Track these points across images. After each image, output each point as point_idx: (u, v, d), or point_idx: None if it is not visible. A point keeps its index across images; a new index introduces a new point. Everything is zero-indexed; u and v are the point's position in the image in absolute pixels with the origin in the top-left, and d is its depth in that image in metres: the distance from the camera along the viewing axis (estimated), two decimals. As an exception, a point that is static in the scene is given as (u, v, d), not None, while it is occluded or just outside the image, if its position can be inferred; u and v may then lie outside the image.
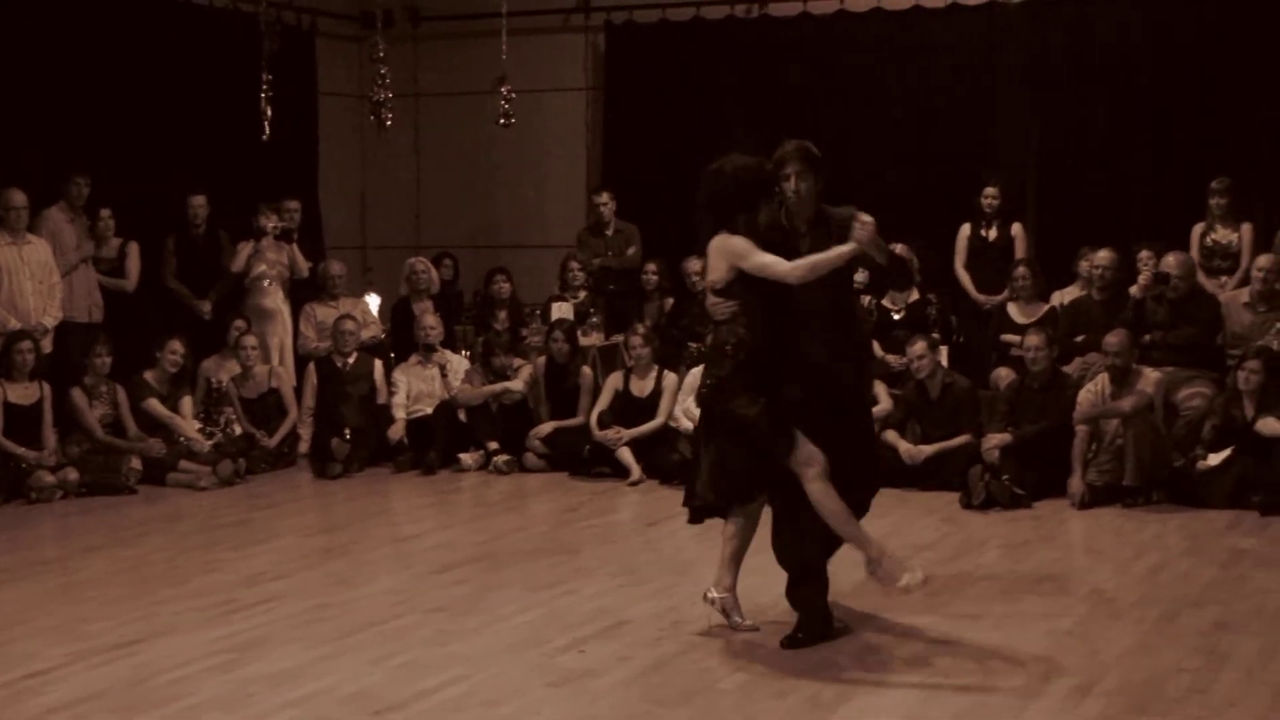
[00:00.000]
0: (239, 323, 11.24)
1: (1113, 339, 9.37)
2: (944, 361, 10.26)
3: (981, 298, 11.26)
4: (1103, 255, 10.41)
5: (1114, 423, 9.26)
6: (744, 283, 5.91)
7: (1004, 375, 10.27)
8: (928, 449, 9.75)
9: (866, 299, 11.21)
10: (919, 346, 9.93)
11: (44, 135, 10.78)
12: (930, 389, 9.94)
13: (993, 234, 11.38)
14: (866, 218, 5.87)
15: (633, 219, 12.45)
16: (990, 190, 11.35)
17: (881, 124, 12.33)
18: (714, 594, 6.23)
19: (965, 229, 11.46)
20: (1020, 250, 11.28)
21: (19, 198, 10.28)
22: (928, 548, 7.97)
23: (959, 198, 11.61)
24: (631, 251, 12.34)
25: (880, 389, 10.22)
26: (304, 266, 11.81)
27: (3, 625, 6.50)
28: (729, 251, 5.92)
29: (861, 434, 6.24)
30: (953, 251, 11.46)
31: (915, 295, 10.96)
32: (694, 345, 10.99)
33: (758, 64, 12.75)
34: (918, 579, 6.01)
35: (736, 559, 6.22)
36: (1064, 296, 10.83)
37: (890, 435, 9.90)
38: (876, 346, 10.67)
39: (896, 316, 10.93)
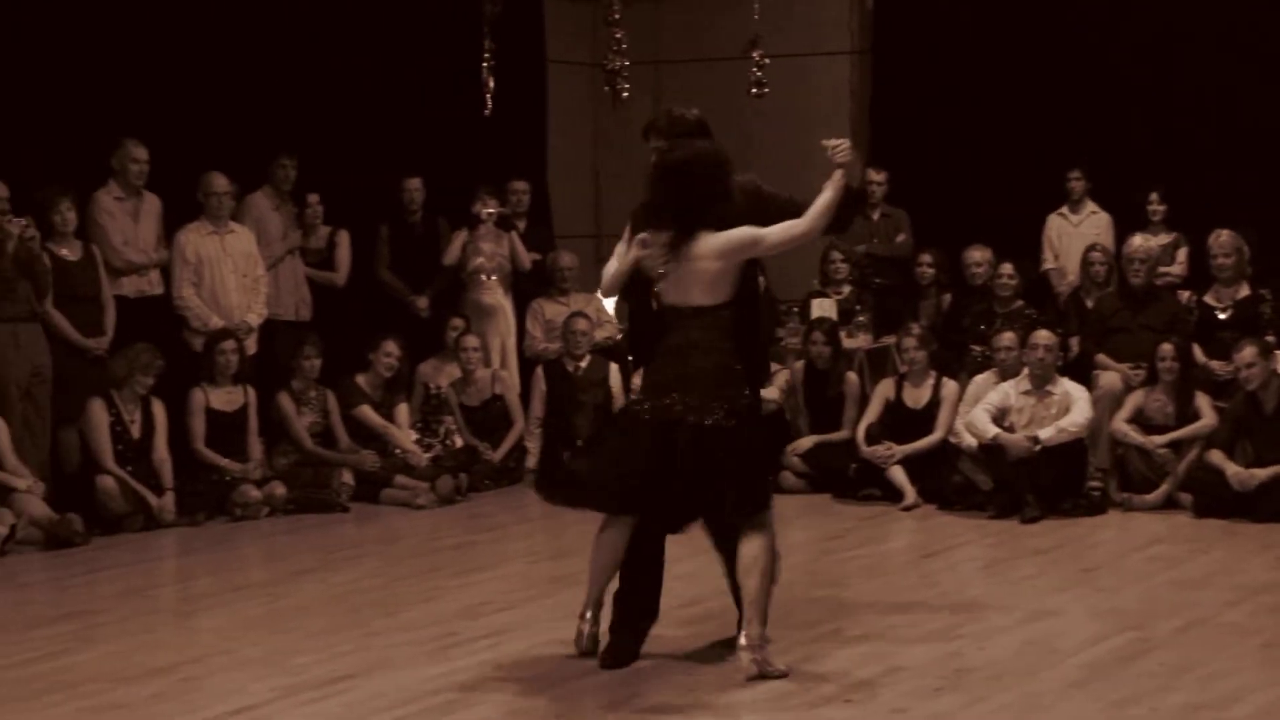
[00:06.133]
0: (456, 321, 11.45)
1: None
2: (1280, 369, 9.96)
3: (1328, 292, 10.87)
4: None
5: None
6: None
7: (1357, 386, 9.91)
8: (1262, 473, 9.49)
9: (1186, 295, 10.94)
10: (1249, 352, 9.69)
11: (247, 114, 11.06)
12: (1264, 402, 9.68)
13: (1343, 214, 10.99)
14: (835, 141, 6.29)
15: (902, 202, 12.39)
16: (1340, 160, 10.97)
17: (1207, 84, 11.96)
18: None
19: (1308, 207, 11.09)
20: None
21: (221, 182, 10.60)
22: (1264, 590, 7.71)
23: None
24: (901, 239, 12.24)
25: (1203, 401, 9.96)
26: (525, 259, 11.95)
27: (204, 655, 6.73)
28: (740, 246, 6.14)
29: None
30: (1290, 237, 11.10)
31: (1245, 290, 10.64)
32: (977, 348, 10.84)
33: (1056, 23, 12.48)
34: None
35: None
36: None
37: (1216, 456, 9.65)
38: (1198, 351, 10.38)
39: (1222, 316, 10.62)
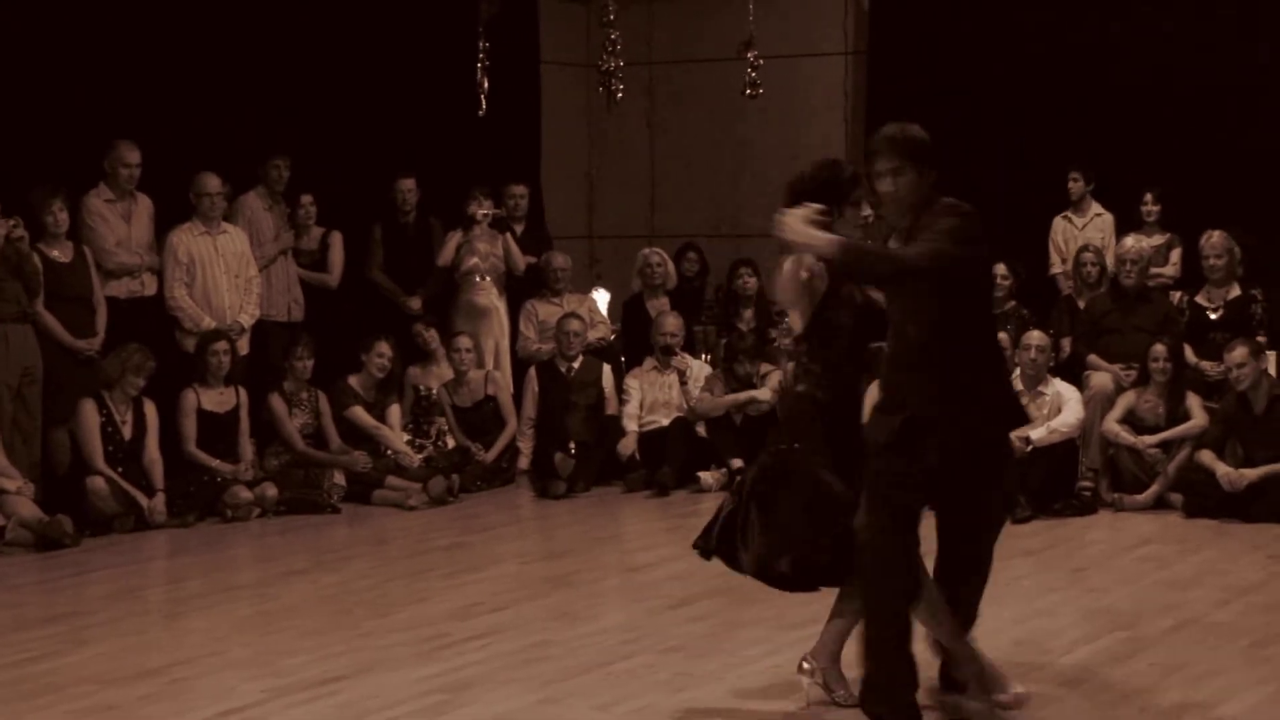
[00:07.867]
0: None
1: None
2: (1271, 370, 9.97)
3: (1319, 293, 10.87)
4: None
5: None
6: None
7: (1346, 387, 9.92)
8: (1251, 473, 9.50)
9: (1177, 295, 10.95)
10: (1240, 352, 9.68)
11: (240, 114, 11.05)
12: (1254, 402, 9.68)
13: (1334, 217, 10.99)
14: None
15: (898, 204, 12.34)
16: (1333, 163, 10.95)
17: (1202, 86, 11.93)
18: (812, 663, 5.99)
19: (1299, 211, 11.08)
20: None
21: (213, 183, 10.58)
22: (1253, 589, 7.72)
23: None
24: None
25: (1194, 402, 9.97)
26: (520, 261, 11.94)
27: (194, 656, 6.74)
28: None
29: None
30: (1282, 239, 11.10)
31: (1236, 291, 10.65)
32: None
33: (1052, 23, 12.46)
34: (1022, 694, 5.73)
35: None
36: None
37: (1206, 456, 9.67)
38: (1189, 352, 10.40)
39: (1213, 316, 10.63)
